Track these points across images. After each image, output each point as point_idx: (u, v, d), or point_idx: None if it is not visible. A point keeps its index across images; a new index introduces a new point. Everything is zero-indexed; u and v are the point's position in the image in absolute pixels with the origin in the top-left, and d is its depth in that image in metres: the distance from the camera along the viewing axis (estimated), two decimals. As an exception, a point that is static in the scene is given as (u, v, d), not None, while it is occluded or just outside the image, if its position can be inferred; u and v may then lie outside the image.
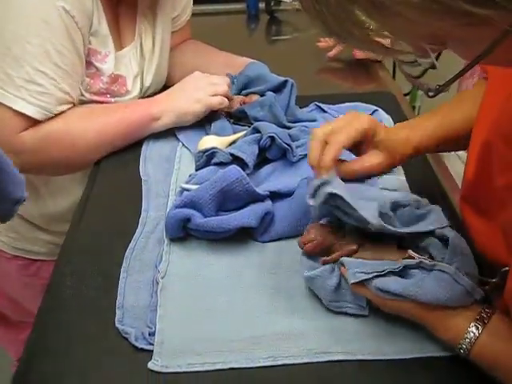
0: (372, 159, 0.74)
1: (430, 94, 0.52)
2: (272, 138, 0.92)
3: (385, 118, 1.07)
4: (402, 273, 0.64)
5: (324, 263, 0.70)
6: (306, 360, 0.66)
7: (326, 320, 0.70)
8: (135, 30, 1.08)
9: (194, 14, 1.33)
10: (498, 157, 0.61)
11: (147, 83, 1.11)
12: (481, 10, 0.39)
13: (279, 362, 0.66)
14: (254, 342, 0.68)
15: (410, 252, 0.65)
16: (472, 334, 0.61)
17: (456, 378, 0.64)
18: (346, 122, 0.73)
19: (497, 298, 0.64)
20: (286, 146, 0.92)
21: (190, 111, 1.00)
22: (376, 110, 1.09)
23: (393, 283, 0.63)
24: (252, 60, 1.14)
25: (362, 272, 0.65)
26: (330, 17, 0.44)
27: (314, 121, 1.05)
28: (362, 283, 0.65)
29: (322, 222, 0.73)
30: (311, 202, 0.68)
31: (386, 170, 0.74)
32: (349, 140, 0.71)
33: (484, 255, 0.66)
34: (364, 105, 1.10)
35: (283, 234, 0.82)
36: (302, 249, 0.72)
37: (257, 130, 0.94)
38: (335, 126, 0.73)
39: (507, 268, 0.60)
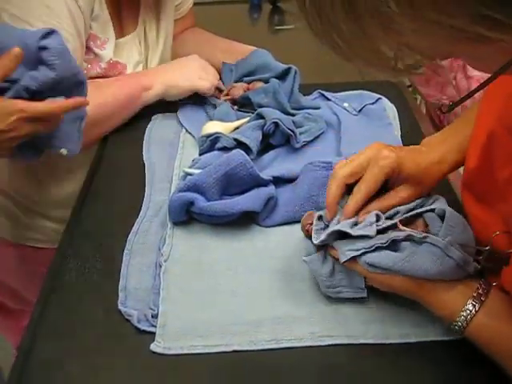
0: (401, 193, 0.70)
1: (444, 110, 0.51)
2: (276, 124, 0.91)
3: (389, 107, 1.07)
4: (393, 246, 0.64)
5: (308, 231, 0.69)
6: (308, 343, 0.66)
7: (328, 303, 0.70)
8: (138, 18, 1.08)
9: (196, 3, 1.33)
10: (503, 149, 0.61)
11: None
12: (495, 34, 0.38)
13: (282, 345, 0.66)
14: (256, 325, 0.68)
15: (400, 226, 0.65)
16: (468, 312, 0.60)
17: (459, 362, 0.64)
18: (366, 161, 0.69)
19: (493, 269, 0.63)
20: (290, 132, 0.92)
21: (179, 85, 1.03)
22: (380, 99, 1.08)
23: (382, 257, 0.62)
24: (254, 48, 1.13)
25: (350, 250, 0.64)
26: (343, 44, 0.43)
27: (317, 108, 1.04)
28: (355, 260, 0.64)
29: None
30: (315, 240, 0.68)
31: (415, 199, 0.71)
32: (371, 188, 0.68)
33: (481, 242, 0.66)
34: (368, 93, 1.10)
35: (286, 219, 0.82)
36: (306, 232, 0.72)
37: (260, 116, 0.93)
38: (356, 168, 0.69)
39: (498, 232, 0.60)
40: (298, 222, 0.81)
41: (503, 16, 0.37)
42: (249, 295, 0.72)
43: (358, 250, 0.64)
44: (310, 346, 0.66)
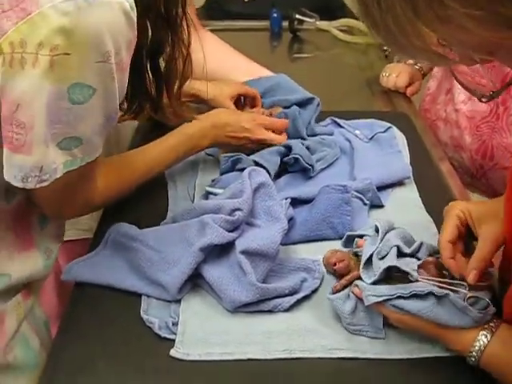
0: (485, 236, 0.71)
1: (484, 100, 0.53)
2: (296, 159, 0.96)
3: (398, 135, 1.12)
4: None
5: (335, 290, 0.74)
6: (319, 355, 0.70)
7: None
8: None
9: (217, 30, 1.39)
10: None
11: None
12: None
13: (295, 356, 0.70)
14: (270, 336, 0.72)
15: (421, 279, 0.69)
16: (481, 342, 0.64)
17: (463, 377, 0.67)
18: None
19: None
20: (309, 166, 0.97)
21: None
22: (390, 127, 1.13)
23: (409, 303, 0.67)
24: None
25: (373, 295, 0.69)
26: (396, 28, 0.47)
27: (331, 135, 1.09)
28: (381, 303, 0.69)
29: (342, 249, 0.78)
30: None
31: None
32: (452, 236, 0.71)
33: None
34: (378, 122, 1.14)
35: (302, 238, 0.86)
36: (333, 267, 0.75)
37: (283, 144, 0.98)
38: (453, 233, 0.72)
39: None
40: (314, 240, 0.85)
41: None
42: (264, 308, 0.76)
43: (379, 296, 0.68)
44: (321, 358, 0.70)
